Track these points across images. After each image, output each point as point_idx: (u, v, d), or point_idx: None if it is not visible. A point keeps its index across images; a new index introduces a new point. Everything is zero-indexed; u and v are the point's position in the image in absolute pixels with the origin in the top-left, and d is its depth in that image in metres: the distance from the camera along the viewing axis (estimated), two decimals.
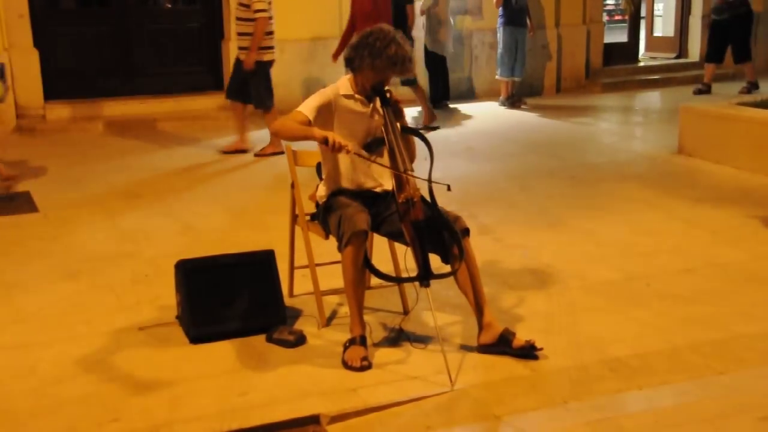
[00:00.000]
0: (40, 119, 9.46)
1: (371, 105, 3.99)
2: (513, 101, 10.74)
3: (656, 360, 3.78)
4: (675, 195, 6.49)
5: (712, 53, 11.30)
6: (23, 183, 7.04)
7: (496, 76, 10.87)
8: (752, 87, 11.06)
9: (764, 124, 7.18)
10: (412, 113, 9.75)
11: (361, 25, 7.26)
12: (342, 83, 4.01)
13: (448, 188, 3.84)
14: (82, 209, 6.34)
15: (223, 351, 3.89)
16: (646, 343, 3.94)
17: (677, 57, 13.26)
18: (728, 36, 11.08)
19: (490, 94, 11.22)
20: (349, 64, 3.97)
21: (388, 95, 3.90)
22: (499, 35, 10.66)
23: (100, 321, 4.26)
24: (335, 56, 8.87)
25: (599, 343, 3.93)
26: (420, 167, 3.96)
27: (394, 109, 3.92)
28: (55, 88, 9.66)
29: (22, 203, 6.50)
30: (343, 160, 3.99)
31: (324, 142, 3.75)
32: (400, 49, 3.86)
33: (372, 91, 3.93)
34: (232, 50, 10.17)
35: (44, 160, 8.02)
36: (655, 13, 14.12)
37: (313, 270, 4.19)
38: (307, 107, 3.89)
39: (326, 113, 3.92)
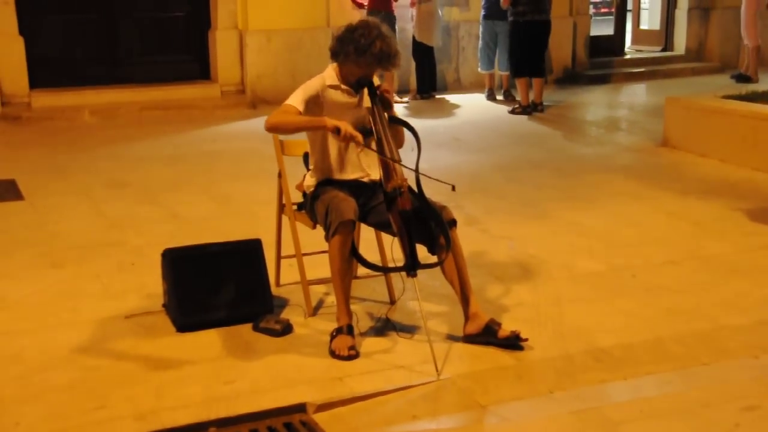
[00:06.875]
0: (25, 107, 9.39)
1: (358, 95, 3.98)
2: (506, 96, 10.64)
3: (641, 350, 3.81)
4: (660, 187, 6.52)
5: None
6: (9, 171, 7.00)
7: (478, 69, 10.88)
8: (534, 108, 9.73)
9: (749, 117, 7.22)
10: (398, 107, 9.74)
11: None
12: (328, 74, 3.98)
13: (453, 188, 3.79)
14: (68, 197, 6.31)
15: (209, 339, 3.89)
16: (631, 334, 3.97)
17: (663, 50, 13.29)
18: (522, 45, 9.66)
19: (477, 86, 11.23)
20: (334, 56, 3.94)
21: (376, 86, 3.90)
22: (481, 28, 10.66)
23: (86, 309, 4.25)
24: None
25: (584, 334, 3.95)
26: (406, 157, 3.96)
27: (381, 99, 3.91)
28: (40, 76, 9.60)
29: (8, 191, 6.46)
30: (332, 149, 3.99)
31: (336, 131, 3.73)
32: (385, 46, 3.83)
33: (357, 84, 3.92)
34: (219, 39, 10.17)
35: (30, 149, 8.00)
36: (642, 6, 14.13)
37: (300, 259, 4.19)
38: (296, 100, 3.85)
39: (314, 105, 3.90)
